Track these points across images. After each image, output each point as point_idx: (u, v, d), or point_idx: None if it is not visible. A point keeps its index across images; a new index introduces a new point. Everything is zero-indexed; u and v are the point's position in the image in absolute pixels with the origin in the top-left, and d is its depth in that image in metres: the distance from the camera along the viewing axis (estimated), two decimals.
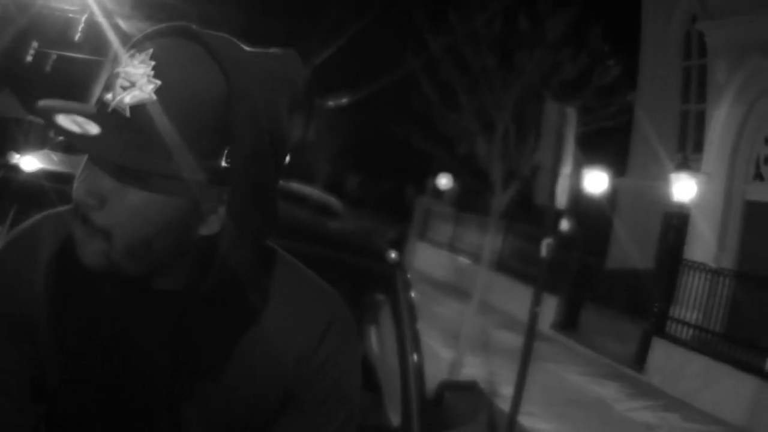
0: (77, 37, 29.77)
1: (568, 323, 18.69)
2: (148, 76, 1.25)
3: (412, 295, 3.82)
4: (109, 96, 1.27)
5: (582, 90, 15.51)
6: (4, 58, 36.29)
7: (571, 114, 10.55)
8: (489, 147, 15.28)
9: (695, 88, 22.49)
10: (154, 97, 1.25)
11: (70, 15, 29.38)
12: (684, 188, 17.91)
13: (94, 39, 28.59)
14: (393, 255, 3.96)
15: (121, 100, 1.26)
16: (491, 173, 15.19)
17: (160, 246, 1.34)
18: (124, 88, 1.26)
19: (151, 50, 1.27)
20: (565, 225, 18.21)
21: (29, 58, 35.07)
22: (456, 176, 30.61)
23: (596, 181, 20.49)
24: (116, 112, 1.26)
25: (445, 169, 30.23)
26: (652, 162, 22.42)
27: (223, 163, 1.32)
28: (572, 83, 15.45)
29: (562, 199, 10.26)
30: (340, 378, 1.52)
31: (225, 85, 1.28)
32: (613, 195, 23.63)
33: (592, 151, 17.00)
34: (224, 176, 1.32)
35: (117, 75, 1.27)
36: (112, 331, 1.45)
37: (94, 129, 1.23)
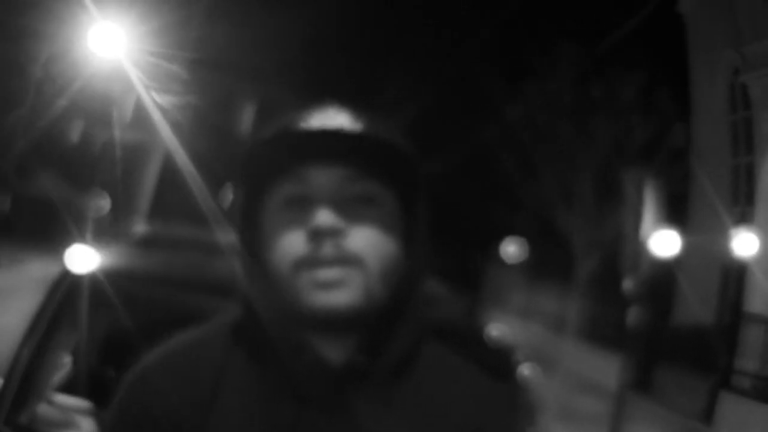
0: (128, 117, 29.97)
1: (640, 382, 18.65)
2: (350, 119, 1.36)
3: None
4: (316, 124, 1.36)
5: (654, 154, 15.72)
6: (48, 137, 36.89)
7: (649, 180, 10.74)
8: (569, 214, 15.48)
9: (743, 141, 22.60)
10: (362, 131, 1.35)
11: (119, 94, 29.92)
12: (743, 242, 17.99)
13: (144, 120, 28.94)
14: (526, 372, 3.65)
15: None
16: (572, 240, 15.38)
17: (393, 272, 1.35)
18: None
19: (334, 107, 1.41)
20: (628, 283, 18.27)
21: (75, 139, 35.32)
22: (529, 243, 30.60)
23: (668, 243, 20.60)
24: (345, 135, 1.33)
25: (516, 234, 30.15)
26: (709, 217, 22.49)
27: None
28: (645, 148, 15.69)
29: (644, 266, 10.41)
30: None
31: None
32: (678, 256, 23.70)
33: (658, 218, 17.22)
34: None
35: (312, 126, 1.37)
36: None
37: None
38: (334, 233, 1.30)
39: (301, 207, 1.35)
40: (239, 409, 1.36)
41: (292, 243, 1.33)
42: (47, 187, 39.88)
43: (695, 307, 21.84)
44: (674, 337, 21.14)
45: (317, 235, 1.30)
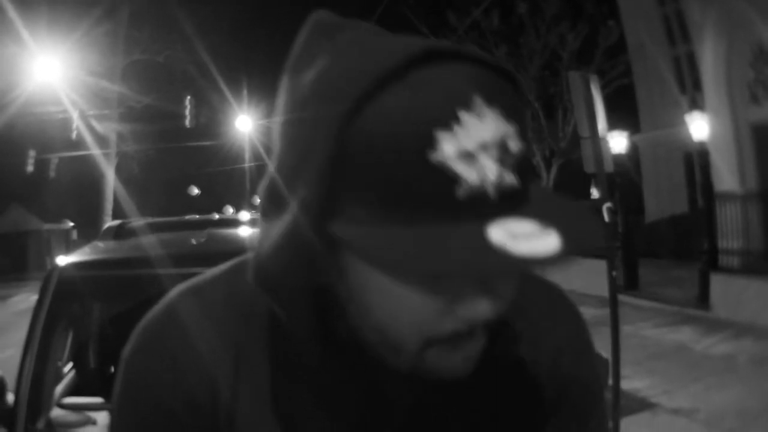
0: (73, 135, 29.84)
1: (629, 284, 18.82)
2: (505, 122, 0.86)
3: None
4: (476, 186, 0.83)
5: (591, 56, 15.91)
6: (5, 173, 36.56)
7: (594, 79, 10.84)
8: None
9: (678, 32, 22.77)
10: (521, 145, 0.88)
11: (61, 116, 29.74)
12: (699, 127, 18.24)
13: (89, 134, 28.87)
14: None
15: (505, 176, 0.85)
16: (531, 157, 15.63)
17: None
18: (501, 160, 0.84)
19: (479, 97, 0.83)
20: (595, 192, 18.49)
21: (30, 168, 35.05)
22: None
23: (617, 142, 20.87)
24: (506, 193, 0.85)
25: None
26: (660, 111, 22.72)
27: None
28: (580, 52, 15.86)
29: (608, 163, 10.51)
30: (589, 361, 1.27)
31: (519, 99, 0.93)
32: (634, 152, 23.97)
33: (607, 115, 17.47)
34: None
35: (469, 153, 0.83)
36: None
37: (550, 239, 0.84)
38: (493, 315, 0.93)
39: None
40: (269, 387, 1.08)
41: (426, 320, 0.93)
42: (14, 221, 39.58)
43: (665, 200, 22.11)
44: (651, 232, 21.45)
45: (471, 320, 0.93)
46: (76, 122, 29.04)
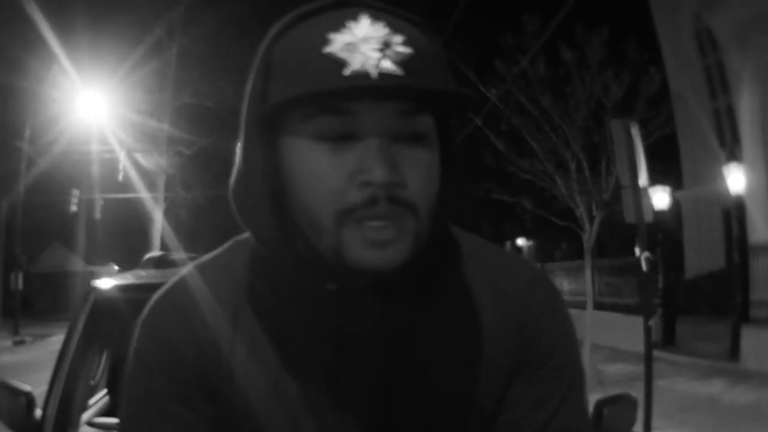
0: (120, 177, 29.94)
1: (666, 340, 18.78)
2: (392, 34, 1.15)
3: None
4: (358, 65, 1.12)
5: (634, 105, 15.91)
6: (47, 211, 36.88)
7: (635, 127, 10.83)
8: (567, 184, 15.68)
9: (718, 83, 22.76)
10: (411, 49, 1.16)
11: (107, 156, 29.91)
12: (736, 179, 18.15)
13: (137, 176, 28.96)
14: None
15: (384, 62, 1.12)
16: (575, 209, 15.59)
17: (436, 206, 1.25)
18: (381, 50, 1.13)
19: (367, 16, 1.17)
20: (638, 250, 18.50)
21: (74, 208, 35.17)
22: (532, 234, 30.69)
23: (659, 198, 20.86)
24: (386, 75, 1.12)
25: (522, 224, 30.24)
26: (702, 165, 22.72)
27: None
28: (623, 100, 15.88)
29: (648, 213, 10.49)
30: (558, 332, 1.39)
31: (430, 41, 1.24)
32: (676, 208, 23.92)
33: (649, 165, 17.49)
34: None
35: (355, 45, 1.14)
36: (321, 369, 1.28)
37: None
38: (390, 185, 1.14)
39: (342, 143, 1.16)
40: (263, 337, 1.29)
41: (337, 188, 1.15)
42: (55, 261, 39.88)
43: (704, 256, 22.03)
44: (689, 287, 21.37)
45: (371, 187, 1.14)
46: (123, 163, 29.07)
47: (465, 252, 1.39)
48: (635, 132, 10.73)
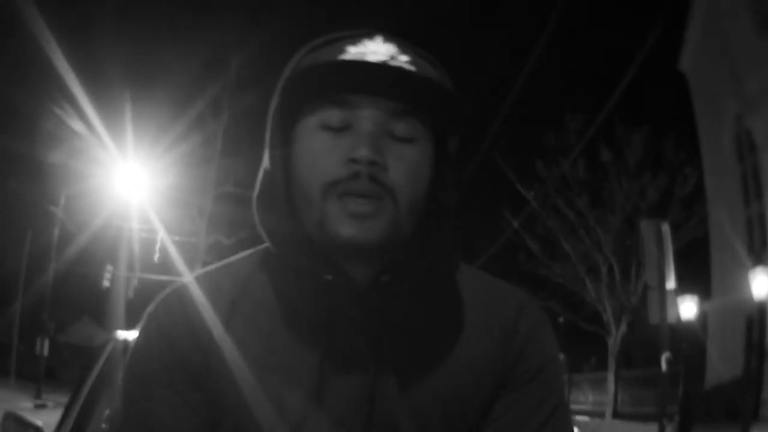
0: (156, 258, 29.91)
1: None
2: (400, 53, 1.34)
3: None
4: (365, 59, 1.33)
5: (668, 206, 15.95)
6: (80, 282, 36.92)
7: (666, 229, 10.84)
8: (597, 287, 15.68)
9: (753, 188, 22.73)
10: (414, 69, 1.32)
11: (144, 235, 29.90)
12: (760, 284, 18.03)
13: (171, 259, 28.80)
14: None
15: (390, 62, 1.32)
16: (603, 313, 15.57)
17: (421, 206, 1.37)
18: (384, 61, 1.32)
19: (381, 37, 1.37)
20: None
21: (107, 284, 35.11)
22: (563, 348, 30.50)
23: (687, 308, 20.81)
24: (388, 67, 1.32)
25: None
26: (731, 275, 22.58)
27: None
28: (658, 202, 15.92)
29: (673, 315, 10.45)
30: (547, 351, 1.47)
31: (438, 74, 1.38)
32: (703, 319, 23.76)
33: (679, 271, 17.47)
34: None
35: (365, 54, 1.33)
36: (306, 362, 1.37)
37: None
38: (372, 166, 1.29)
39: (341, 132, 1.33)
40: (257, 328, 1.40)
41: (328, 165, 1.31)
42: (84, 334, 39.88)
43: (727, 362, 21.86)
44: (709, 395, 21.17)
45: (356, 164, 1.29)
46: (160, 244, 29.05)
47: (460, 271, 1.50)
48: (666, 233, 10.73)
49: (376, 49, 1.33)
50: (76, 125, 25.07)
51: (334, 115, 1.33)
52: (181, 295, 1.45)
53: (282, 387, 1.36)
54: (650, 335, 10.59)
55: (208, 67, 27.52)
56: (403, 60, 1.33)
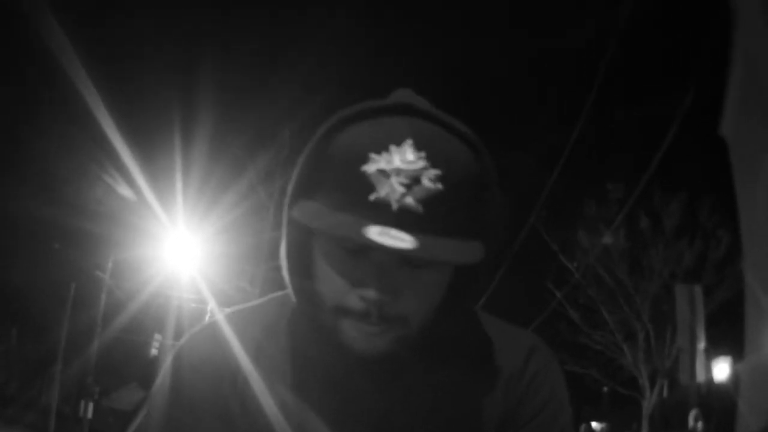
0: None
1: None
2: (426, 167, 1.27)
3: None
4: (384, 195, 1.25)
5: (702, 270, 16.03)
6: (131, 351, 36.97)
7: (698, 292, 10.96)
8: (633, 353, 15.78)
9: None
10: (441, 186, 1.27)
11: (194, 305, 30.17)
12: None
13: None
14: None
15: (407, 198, 1.25)
16: (639, 378, 15.64)
17: (437, 307, 1.39)
18: (407, 186, 1.25)
19: (410, 141, 1.28)
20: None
21: (155, 352, 35.25)
22: (606, 417, 30.34)
23: (720, 370, 20.78)
24: (406, 210, 1.25)
25: (599, 407, 29.90)
26: (764, 331, 22.44)
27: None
28: (694, 267, 16.01)
29: (702, 373, 10.53)
30: (551, 393, 1.50)
31: (476, 165, 1.35)
32: (735, 378, 23.59)
33: (713, 332, 17.44)
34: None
35: (387, 173, 1.26)
36: (326, 406, 1.46)
37: (406, 242, 1.22)
38: (381, 302, 1.30)
39: (354, 255, 1.32)
40: (280, 373, 1.48)
41: (339, 290, 1.34)
42: (130, 400, 39.99)
43: (755, 417, 21.66)
44: None
45: (365, 302, 1.31)
46: (209, 315, 28.82)
47: (473, 317, 1.55)
48: (698, 295, 10.85)
49: (399, 166, 1.26)
50: (126, 192, 25.52)
51: (354, 242, 1.29)
52: (212, 332, 1.54)
53: (297, 421, 1.45)
54: (684, 397, 10.66)
55: (261, 137, 27.72)
56: (429, 177, 1.27)
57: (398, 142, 1.27)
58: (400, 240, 1.21)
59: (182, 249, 27.24)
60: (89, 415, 29.71)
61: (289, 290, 1.44)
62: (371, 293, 1.28)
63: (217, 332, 1.52)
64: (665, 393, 16.47)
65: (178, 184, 24.87)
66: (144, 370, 39.68)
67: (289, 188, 1.37)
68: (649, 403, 15.62)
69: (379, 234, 1.21)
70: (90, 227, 28.26)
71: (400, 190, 1.24)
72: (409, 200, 1.24)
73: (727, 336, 21.81)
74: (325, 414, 1.44)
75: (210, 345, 1.50)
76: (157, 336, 34.17)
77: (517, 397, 1.47)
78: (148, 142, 25.83)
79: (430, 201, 1.25)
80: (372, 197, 1.25)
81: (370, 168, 1.26)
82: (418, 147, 1.27)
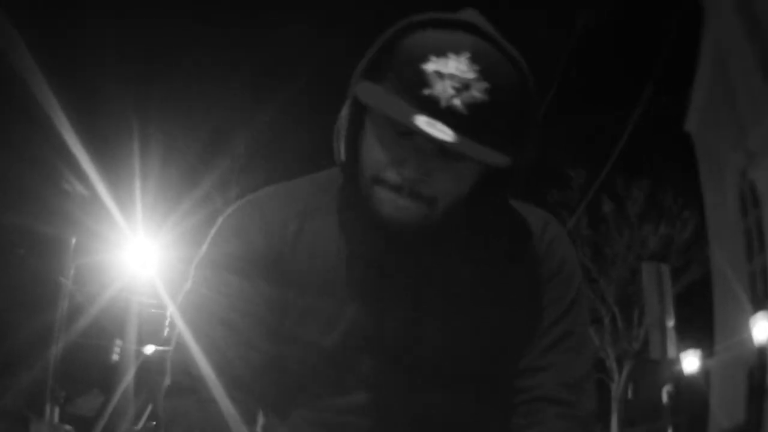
0: (166, 332, 29.86)
1: None
2: (477, 79, 1.43)
3: None
4: (436, 93, 1.43)
5: (668, 253, 16.23)
6: (91, 357, 36.54)
7: (665, 270, 11.13)
8: (600, 336, 15.97)
9: (757, 242, 22.79)
10: (486, 98, 1.44)
11: (153, 311, 30.18)
12: (761, 329, 18.30)
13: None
14: None
15: (455, 99, 1.42)
16: (606, 360, 15.82)
17: (463, 200, 1.57)
18: (457, 90, 1.43)
19: (468, 54, 1.44)
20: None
21: (115, 357, 34.91)
22: None
23: (689, 363, 21.14)
24: (453, 110, 1.42)
25: None
26: (734, 330, 22.69)
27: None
28: (660, 250, 16.21)
29: (672, 351, 10.70)
30: (566, 255, 1.73)
31: (522, 90, 1.51)
32: (705, 375, 23.85)
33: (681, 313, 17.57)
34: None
35: (443, 75, 1.43)
36: (367, 275, 1.63)
37: (447, 135, 1.40)
38: (415, 181, 1.48)
39: (401, 136, 1.49)
40: (321, 248, 1.64)
41: (380, 162, 1.51)
42: (93, 406, 39.55)
43: (726, 410, 21.88)
44: None
45: (401, 177, 1.49)
46: (169, 319, 28.97)
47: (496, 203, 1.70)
48: (666, 273, 11.02)
49: (454, 71, 1.43)
50: (87, 199, 25.50)
51: (404, 126, 1.45)
52: (257, 202, 1.71)
53: (339, 294, 1.62)
54: (654, 375, 10.82)
55: (216, 143, 28.14)
56: (478, 88, 1.44)
57: (457, 52, 1.44)
58: (442, 132, 1.39)
59: (141, 254, 27.19)
60: (55, 419, 29.36)
61: (337, 157, 1.61)
62: (408, 171, 1.47)
63: (263, 202, 1.71)
64: (634, 375, 16.69)
65: (137, 192, 25.25)
66: (105, 375, 39.27)
67: (358, 70, 1.53)
68: (617, 385, 15.80)
69: (426, 123, 1.40)
70: (53, 233, 28.00)
71: (451, 92, 1.42)
72: (457, 102, 1.42)
73: (696, 318, 22.03)
74: (367, 288, 1.61)
75: (257, 213, 1.68)
76: (118, 341, 33.80)
77: (538, 261, 1.69)
78: (108, 151, 25.78)
79: (474, 107, 1.43)
80: (426, 92, 1.43)
81: (428, 67, 1.44)
82: (473, 60, 1.44)
